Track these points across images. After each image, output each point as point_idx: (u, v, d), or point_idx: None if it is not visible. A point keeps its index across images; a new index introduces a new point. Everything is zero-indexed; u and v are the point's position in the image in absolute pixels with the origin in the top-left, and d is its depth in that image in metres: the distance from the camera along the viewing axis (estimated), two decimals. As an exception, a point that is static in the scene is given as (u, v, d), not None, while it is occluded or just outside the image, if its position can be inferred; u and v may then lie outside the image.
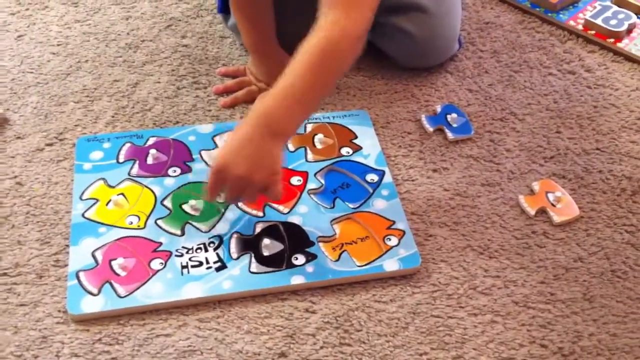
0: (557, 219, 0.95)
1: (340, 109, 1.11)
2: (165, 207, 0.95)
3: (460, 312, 0.87)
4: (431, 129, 1.07)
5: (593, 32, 1.25)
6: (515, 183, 1.01)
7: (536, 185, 1.00)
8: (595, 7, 1.29)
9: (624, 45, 1.23)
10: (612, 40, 1.24)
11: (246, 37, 1.11)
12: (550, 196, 0.98)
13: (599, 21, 1.25)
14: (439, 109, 1.10)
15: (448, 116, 1.08)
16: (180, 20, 1.25)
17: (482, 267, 0.91)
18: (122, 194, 0.96)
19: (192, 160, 1.01)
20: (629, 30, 1.25)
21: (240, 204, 0.95)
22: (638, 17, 1.28)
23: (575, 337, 0.85)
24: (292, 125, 0.88)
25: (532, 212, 0.96)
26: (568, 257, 0.92)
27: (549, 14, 1.29)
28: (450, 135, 1.06)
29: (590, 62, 1.21)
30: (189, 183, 0.98)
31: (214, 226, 0.93)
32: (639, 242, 0.94)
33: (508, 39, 1.24)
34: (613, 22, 1.25)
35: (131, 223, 0.93)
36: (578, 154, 1.05)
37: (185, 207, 0.95)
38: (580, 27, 1.26)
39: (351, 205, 0.96)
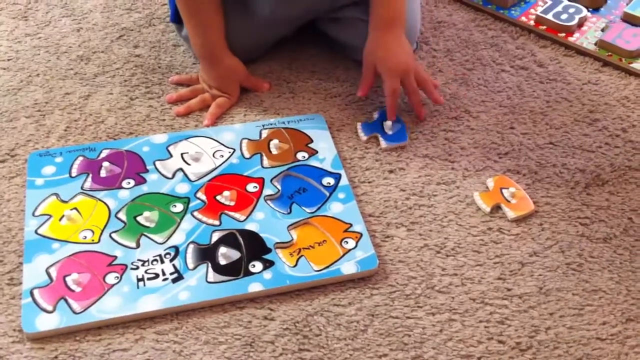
0: (511, 214, 0.96)
1: (295, 113, 1.11)
2: (120, 219, 0.94)
3: (418, 311, 0.87)
4: (365, 137, 1.07)
5: (544, 27, 1.27)
6: (470, 180, 1.02)
7: (490, 182, 1.01)
8: (546, 3, 1.30)
9: (575, 39, 1.25)
10: (563, 34, 1.25)
11: (195, 43, 1.10)
12: (505, 192, 0.98)
13: (549, 16, 1.27)
14: (375, 115, 1.10)
15: (384, 123, 1.08)
16: (132, 30, 1.24)
17: (440, 266, 0.92)
18: (76, 208, 0.95)
19: (147, 171, 1.00)
20: (580, 24, 1.27)
21: (196, 213, 0.95)
22: (589, 11, 1.29)
23: (532, 331, 0.85)
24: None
25: (488, 208, 0.97)
26: (523, 252, 0.93)
27: (501, 11, 1.30)
28: (383, 143, 1.06)
29: (543, 57, 1.22)
30: (143, 194, 0.97)
31: (169, 237, 0.92)
32: (593, 234, 0.96)
33: (461, 37, 1.25)
34: (564, 16, 1.27)
35: (85, 238, 0.92)
36: (532, 149, 1.06)
37: (140, 219, 0.94)
38: (532, 22, 1.28)
39: (308, 210, 0.96)
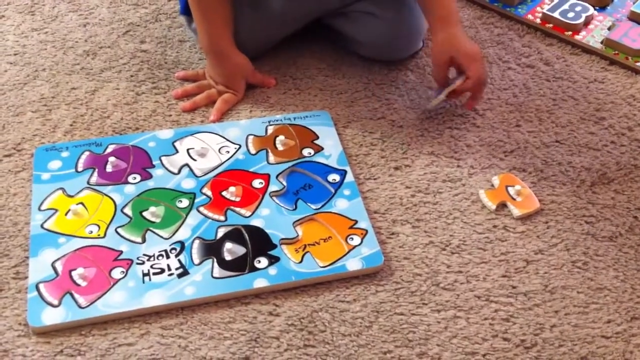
0: (516, 212, 0.96)
1: (301, 109, 1.11)
2: (126, 214, 0.94)
3: (423, 308, 0.87)
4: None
5: (551, 25, 1.27)
6: (476, 178, 1.02)
7: (496, 180, 1.01)
8: (552, 1, 1.30)
9: (581, 37, 1.24)
10: (569, 32, 1.25)
11: (203, 37, 1.10)
12: (511, 190, 0.98)
13: (556, 14, 1.26)
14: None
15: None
16: (138, 25, 1.24)
17: (445, 263, 0.92)
18: (82, 203, 0.95)
19: (153, 166, 1.00)
20: (586, 23, 1.27)
21: (202, 208, 0.95)
22: (595, 9, 1.29)
23: (537, 329, 0.85)
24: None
25: (493, 206, 0.97)
26: (529, 249, 0.93)
27: (507, 9, 1.30)
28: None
29: (549, 55, 1.22)
30: (149, 190, 0.97)
31: (175, 232, 0.92)
32: (598, 232, 0.96)
33: (467, 35, 1.24)
34: (570, 14, 1.26)
35: (91, 232, 0.92)
36: (537, 147, 1.06)
37: (146, 214, 0.94)
38: (538, 20, 1.28)
39: (313, 206, 0.96)
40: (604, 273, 0.91)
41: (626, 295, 0.89)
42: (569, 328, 0.85)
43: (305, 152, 1.03)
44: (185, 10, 1.16)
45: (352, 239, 0.93)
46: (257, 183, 0.99)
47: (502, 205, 0.98)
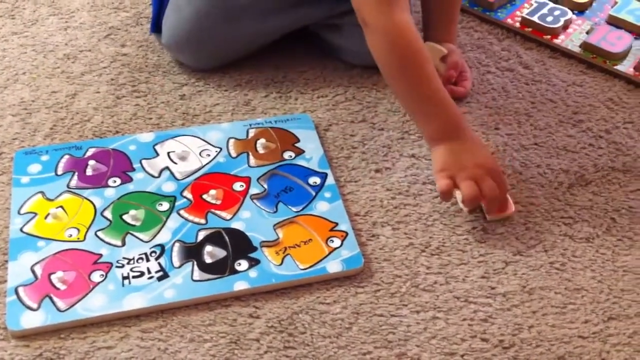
0: (489, 217, 0.97)
1: (282, 112, 1.11)
2: (106, 218, 0.94)
3: (403, 309, 0.87)
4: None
5: (530, 29, 1.28)
6: (455, 180, 1.02)
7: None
8: (531, 5, 1.32)
9: (560, 41, 1.26)
10: (548, 36, 1.26)
11: (433, 118, 0.98)
12: (489, 192, 0.99)
13: (535, 18, 1.28)
14: None
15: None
16: (119, 29, 1.24)
17: (424, 265, 0.92)
18: (61, 206, 0.95)
19: (133, 169, 1.00)
20: (565, 26, 1.28)
21: (182, 212, 0.95)
22: (574, 13, 1.31)
23: (515, 329, 0.86)
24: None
25: (466, 209, 0.97)
26: (507, 251, 0.94)
27: (487, 13, 1.31)
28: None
29: (528, 59, 1.23)
30: (129, 193, 0.97)
31: (155, 235, 0.92)
32: (576, 234, 0.97)
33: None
34: (549, 18, 1.28)
35: (70, 236, 0.92)
36: (516, 150, 1.07)
37: (126, 217, 0.94)
38: (517, 24, 1.29)
39: (294, 209, 0.97)
40: (581, 274, 0.92)
41: (603, 296, 0.90)
42: (546, 328, 0.86)
43: (286, 155, 1.04)
44: (156, 29, 1.17)
45: (333, 241, 0.93)
46: (238, 186, 0.99)
47: (480, 208, 0.98)
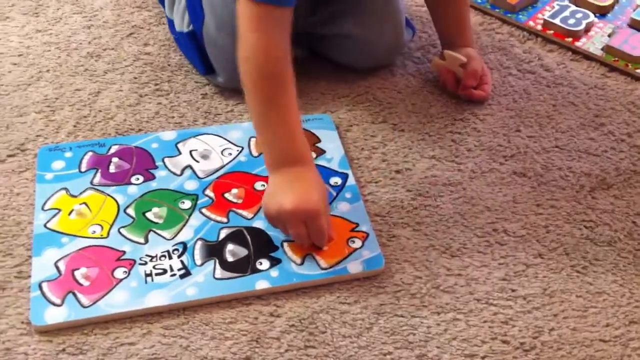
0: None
1: (303, 113, 1.12)
2: (129, 215, 0.95)
3: (423, 311, 0.88)
4: None
5: (552, 31, 1.28)
6: (476, 182, 1.02)
7: (496, 184, 1.01)
8: (553, 7, 1.31)
9: (581, 44, 1.25)
10: (570, 39, 1.26)
11: (277, 144, 0.94)
12: (511, 194, 0.99)
13: (557, 21, 1.27)
14: None
15: None
16: (142, 28, 1.25)
17: (445, 266, 0.92)
18: (85, 203, 0.96)
19: (156, 167, 1.01)
20: (587, 29, 1.28)
21: (204, 210, 0.96)
22: (596, 16, 1.30)
23: (536, 332, 0.86)
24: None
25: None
26: (528, 253, 0.94)
27: (509, 15, 1.31)
28: None
29: (549, 61, 1.23)
30: (152, 191, 0.98)
31: (177, 233, 0.93)
32: (597, 237, 0.96)
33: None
34: (571, 21, 1.27)
35: (94, 232, 0.92)
36: (538, 152, 1.07)
37: (149, 214, 0.95)
38: (539, 27, 1.29)
39: (315, 209, 0.97)
40: (602, 277, 0.92)
41: (624, 300, 0.90)
42: (567, 331, 0.86)
43: (307, 155, 1.04)
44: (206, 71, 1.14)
45: (354, 241, 0.93)
46: (260, 185, 0.99)
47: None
